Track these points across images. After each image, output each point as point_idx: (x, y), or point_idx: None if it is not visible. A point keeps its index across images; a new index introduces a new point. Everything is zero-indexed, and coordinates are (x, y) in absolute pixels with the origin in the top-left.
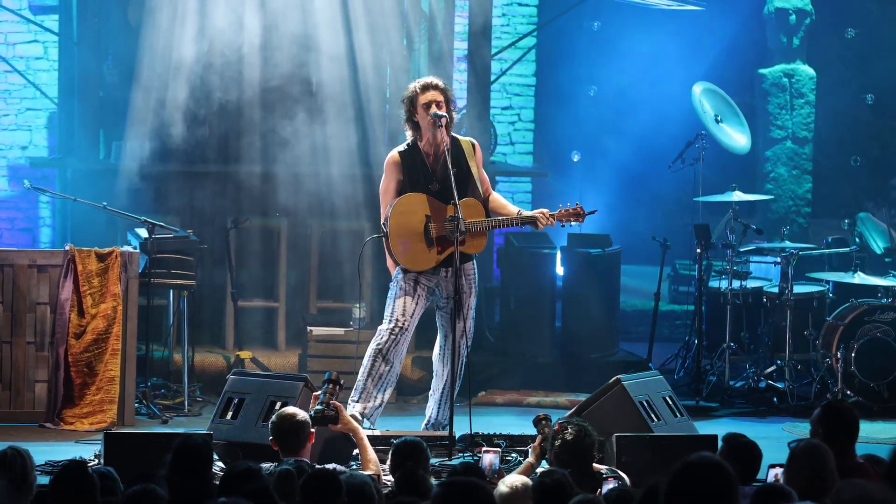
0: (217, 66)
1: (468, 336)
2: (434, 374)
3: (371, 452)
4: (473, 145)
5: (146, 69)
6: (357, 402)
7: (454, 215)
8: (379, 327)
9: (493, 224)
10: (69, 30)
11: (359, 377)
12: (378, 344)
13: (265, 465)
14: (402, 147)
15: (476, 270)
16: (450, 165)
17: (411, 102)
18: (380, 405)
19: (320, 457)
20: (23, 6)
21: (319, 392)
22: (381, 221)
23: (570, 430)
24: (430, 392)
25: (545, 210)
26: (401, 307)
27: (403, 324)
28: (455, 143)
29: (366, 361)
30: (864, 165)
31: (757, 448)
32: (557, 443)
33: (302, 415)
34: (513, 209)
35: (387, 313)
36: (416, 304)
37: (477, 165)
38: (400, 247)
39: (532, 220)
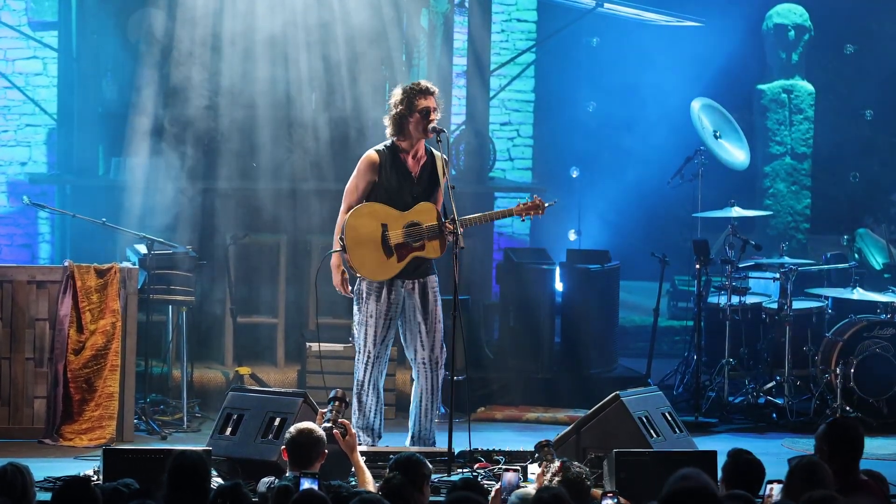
0: (217, 83)
1: (441, 353)
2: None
3: (368, 474)
4: (445, 161)
5: (146, 85)
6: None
7: (414, 221)
8: (355, 359)
9: (472, 220)
10: (68, 46)
11: (353, 413)
12: (358, 381)
13: (266, 479)
14: (380, 147)
15: (438, 284)
16: (440, 177)
17: (409, 102)
18: (379, 426)
19: (321, 471)
20: (22, 22)
21: (326, 410)
22: (338, 235)
23: (573, 470)
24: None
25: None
26: (370, 338)
27: (373, 354)
28: (430, 153)
29: (353, 401)
30: (862, 181)
31: (760, 465)
32: (557, 479)
33: (320, 432)
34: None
35: (357, 343)
36: (386, 328)
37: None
38: (358, 259)
39: (500, 215)
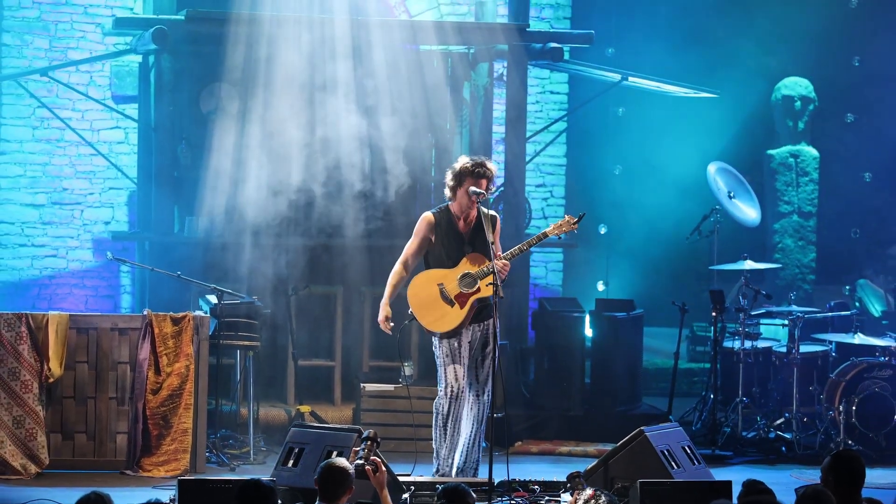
0: (279, 151)
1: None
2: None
3: None
4: (495, 219)
5: (216, 152)
6: (438, 470)
7: (466, 272)
8: (435, 401)
9: (507, 256)
10: (147, 117)
11: (434, 445)
12: (442, 416)
13: None
14: (435, 209)
15: (499, 328)
16: (487, 234)
17: (460, 177)
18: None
19: None
20: (106, 96)
21: (359, 448)
22: (391, 282)
23: (603, 499)
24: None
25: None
26: (452, 374)
27: (456, 389)
28: (480, 212)
29: (436, 434)
30: (863, 237)
31: (773, 495)
32: None
33: (349, 469)
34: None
35: (440, 384)
36: (464, 365)
37: (494, 236)
38: (427, 318)
39: (537, 239)
